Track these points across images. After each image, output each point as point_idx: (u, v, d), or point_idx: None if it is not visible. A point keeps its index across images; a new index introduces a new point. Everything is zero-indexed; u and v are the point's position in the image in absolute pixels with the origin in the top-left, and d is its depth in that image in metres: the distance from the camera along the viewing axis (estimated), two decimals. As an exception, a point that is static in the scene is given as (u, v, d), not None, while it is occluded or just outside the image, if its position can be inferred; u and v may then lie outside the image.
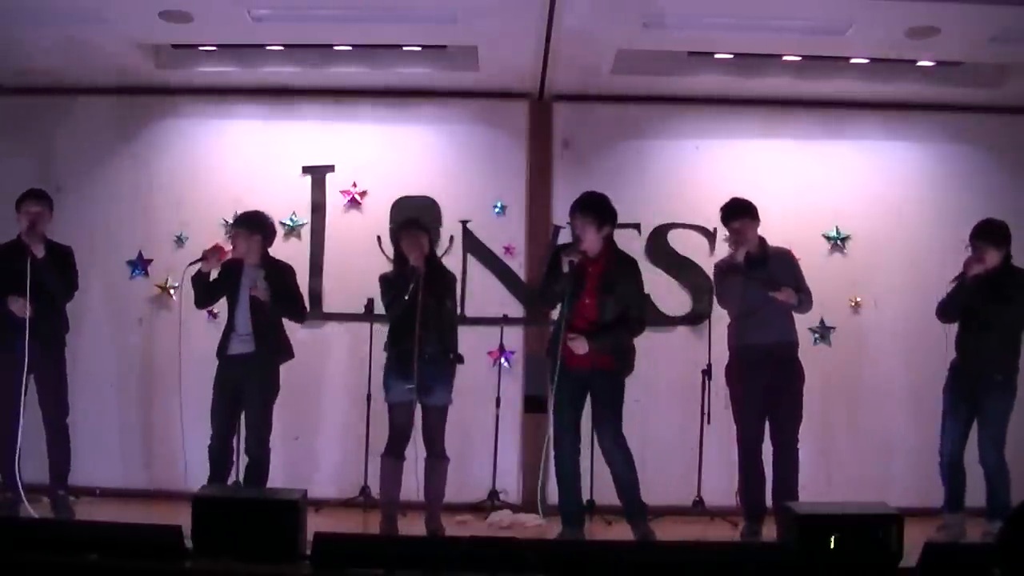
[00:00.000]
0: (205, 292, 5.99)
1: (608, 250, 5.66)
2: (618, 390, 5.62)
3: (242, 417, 5.97)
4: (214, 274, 6.01)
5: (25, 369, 5.89)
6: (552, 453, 5.65)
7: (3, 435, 5.91)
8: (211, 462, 5.87)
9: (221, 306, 6.19)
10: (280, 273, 6.01)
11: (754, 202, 5.94)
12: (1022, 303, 5.76)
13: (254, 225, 6.03)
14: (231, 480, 6.06)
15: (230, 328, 5.94)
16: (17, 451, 5.90)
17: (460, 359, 5.90)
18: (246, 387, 5.90)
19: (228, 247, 6.08)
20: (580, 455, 5.68)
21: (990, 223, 5.81)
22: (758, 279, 5.74)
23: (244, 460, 5.99)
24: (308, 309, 6.42)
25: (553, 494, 6.86)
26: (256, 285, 5.84)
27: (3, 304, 5.88)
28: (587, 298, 5.56)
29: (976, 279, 5.69)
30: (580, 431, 5.66)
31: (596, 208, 5.60)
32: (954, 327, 5.88)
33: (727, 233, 6.10)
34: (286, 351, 6.03)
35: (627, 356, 5.65)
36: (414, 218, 6.16)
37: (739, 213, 5.87)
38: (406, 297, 5.64)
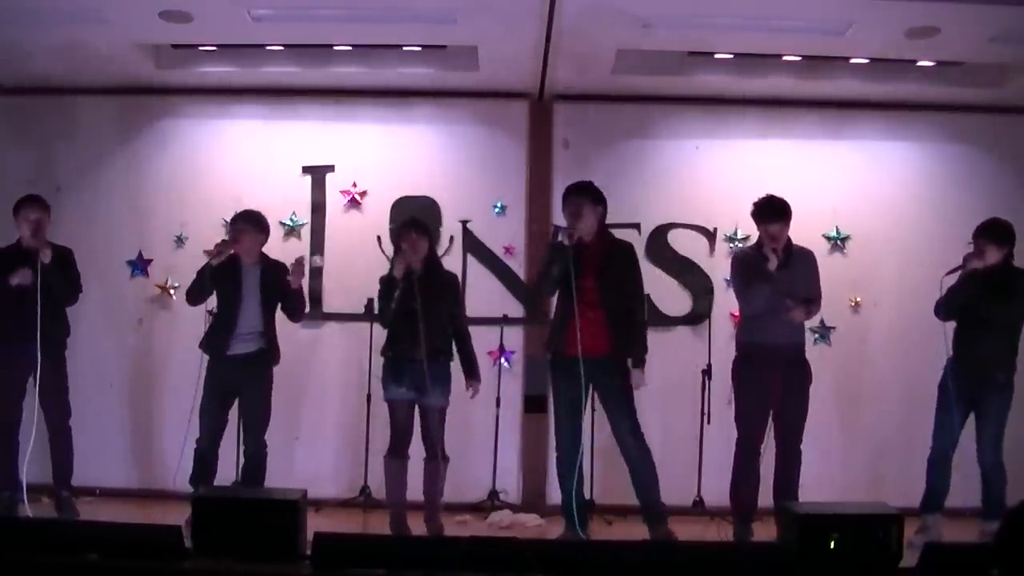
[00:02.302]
0: (206, 288, 5.92)
1: (602, 233, 5.72)
2: (628, 378, 5.63)
3: (230, 417, 5.95)
4: None
5: (27, 370, 5.90)
6: (556, 449, 5.63)
7: (4, 435, 5.92)
8: (199, 462, 5.83)
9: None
10: (280, 272, 6.01)
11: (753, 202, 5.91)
12: (1022, 302, 5.77)
13: (261, 225, 6.03)
14: (231, 480, 6.06)
15: (228, 327, 5.86)
16: (17, 451, 5.92)
17: (451, 357, 5.88)
18: (246, 387, 5.88)
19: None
20: (581, 452, 5.67)
21: (995, 222, 5.81)
22: (780, 282, 5.68)
23: (240, 460, 5.99)
24: (308, 309, 6.40)
25: (554, 494, 6.92)
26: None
27: (6, 301, 5.89)
28: (587, 281, 5.54)
29: (975, 276, 5.69)
30: (583, 426, 5.66)
31: (588, 189, 5.70)
32: (951, 325, 5.87)
33: (757, 230, 5.86)
34: (278, 352, 6.03)
35: (640, 343, 5.68)
36: (416, 219, 6.07)
37: (777, 217, 5.69)
38: (392, 305, 5.66)
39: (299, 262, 5.92)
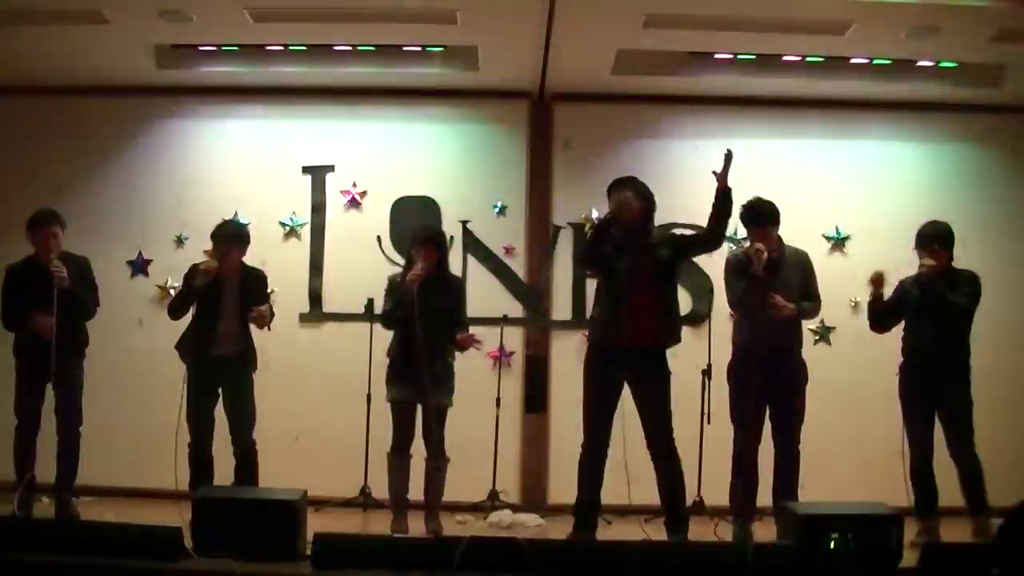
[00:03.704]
0: (188, 304, 5.90)
1: (648, 224, 5.56)
2: (668, 371, 5.49)
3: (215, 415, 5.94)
4: None
5: (47, 377, 5.88)
6: (586, 445, 5.49)
7: (26, 441, 5.93)
8: (195, 464, 5.82)
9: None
10: (258, 281, 6.01)
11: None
12: (971, 298, 5.80)
13: (242, 238, 5.99)
14: (230, 481, 6.05)
15: (209, 331, 5.83)
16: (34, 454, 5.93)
17: (453, 356, 5.88)
18: (227, 387, 5.88)
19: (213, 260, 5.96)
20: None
21: (935, 224, 5.87)
22: (771, 283, 5.64)
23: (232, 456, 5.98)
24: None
25: (554, 494, 6.93)
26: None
27: (28, 318, 5.84)
28: (640, 267, 5.37)
29: (920, 279, 5.76)
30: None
31: (636, 181, 5.54)
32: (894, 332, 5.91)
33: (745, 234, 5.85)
34: (255, 357, 6.00)
35: (679, 328, 5.59)
36: (432, 232, 6.03)
37: (762, 221, 5.65)
38: (396, 310, 5.70)
39: (260, 313, 5.85)
